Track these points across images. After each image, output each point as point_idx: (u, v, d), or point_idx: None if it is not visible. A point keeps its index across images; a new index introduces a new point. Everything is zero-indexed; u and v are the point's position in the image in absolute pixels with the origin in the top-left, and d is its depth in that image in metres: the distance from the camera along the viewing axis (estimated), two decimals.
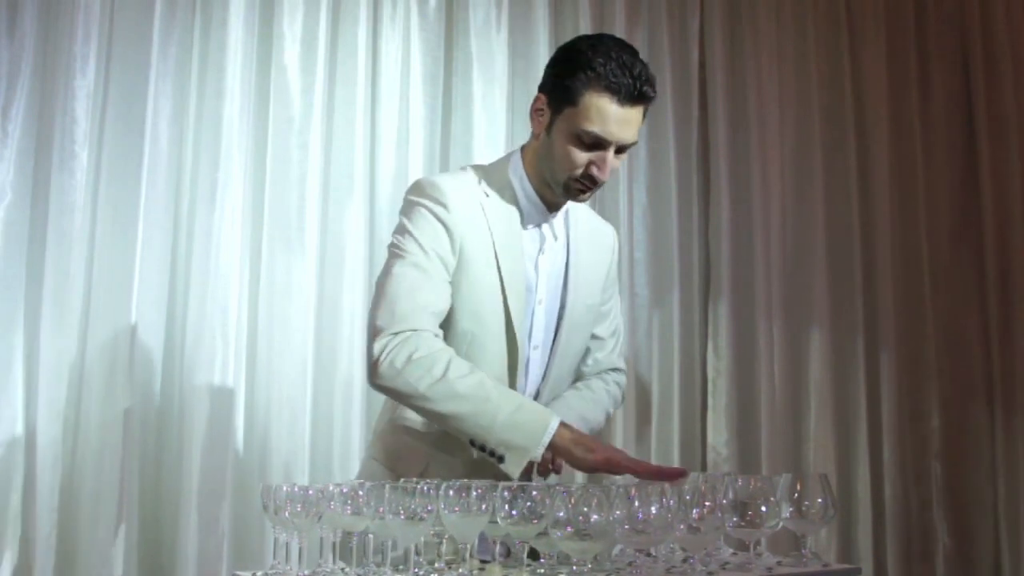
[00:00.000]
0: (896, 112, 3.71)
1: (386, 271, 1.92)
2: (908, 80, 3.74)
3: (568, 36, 3.44)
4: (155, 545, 2.84)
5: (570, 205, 2.06)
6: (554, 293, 2.04)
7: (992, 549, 3.59)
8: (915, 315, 3.65)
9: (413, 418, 1.98)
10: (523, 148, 2.06)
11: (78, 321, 2.79)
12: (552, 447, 1.79)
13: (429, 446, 1.98)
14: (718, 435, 3.44)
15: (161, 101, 2.92)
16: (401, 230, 1.95)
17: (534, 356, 2.02)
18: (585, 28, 3.43)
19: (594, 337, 2.19)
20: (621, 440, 3.30)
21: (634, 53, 1.92)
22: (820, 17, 3.71)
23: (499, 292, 1.94)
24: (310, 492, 1.49)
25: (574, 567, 1.42)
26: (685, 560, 1.54)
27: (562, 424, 1.81)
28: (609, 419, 2.25)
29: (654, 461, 3.34)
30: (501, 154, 3.25)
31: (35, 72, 2.82)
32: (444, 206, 1.93)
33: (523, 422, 1.80)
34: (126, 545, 2.73)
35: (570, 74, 1.89)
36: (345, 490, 1.48)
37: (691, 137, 3.56)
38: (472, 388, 1.81)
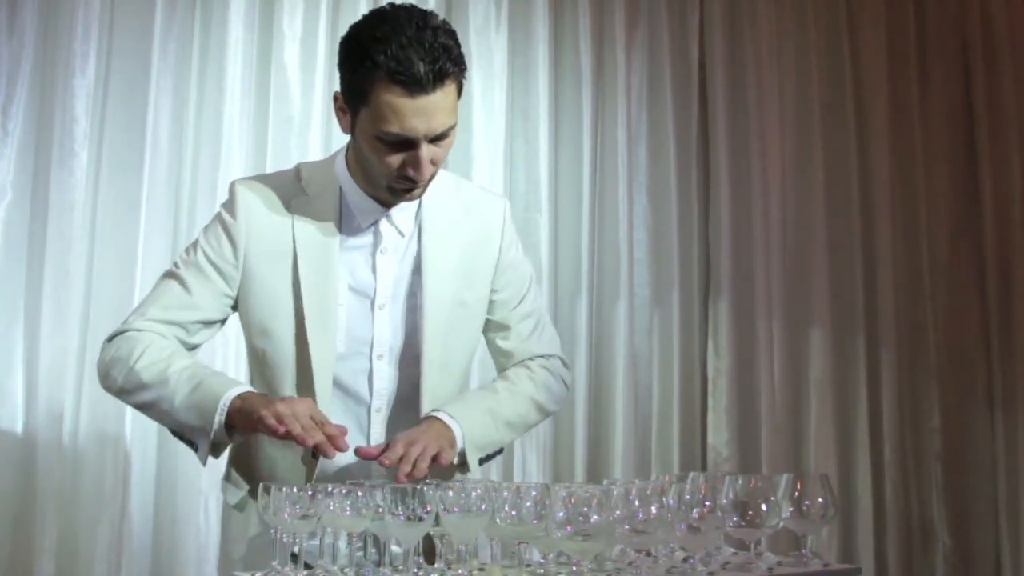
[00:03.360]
0: (896, 111, 3.71)
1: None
2: (908, 78, 3.74)
3: (568, 35, 3.45)
4: (156, 546, 2.84)
5: (432, 191, 1.84)
6: (401, 295, 1.84)
7: (992, 549, 3.59)
8: (915, 315, 3.65)
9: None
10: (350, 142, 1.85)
11: (78, 321, 2.78)
12: (231, 424, 1.67)
13: (250, 469, 1.88)
14: (718, 435, 3.44)
15: (161, 99, 2.92)
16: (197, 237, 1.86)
17: (380, 367, 1.82)
18: (585, 27, 3.42)
19: (498, 327, 1.94)
20: (621, 441, 3.30)
21: (424, 23, 1.64)
22: (820, 15, 3.70)
23: (291, 302, 1.78)
24: (309, 493, 1.48)
25: (574, 567, 1.42)
26: (685, 560, 1.54)
27: (240, 397, 1.66)
28: (547, 414, 2.00)
29: (654, 462, 3.34)
30: (500, 153, 3.28)
31: (35, 70, 2.82)
32: (232, 214, 1.81)
33: (198, 402, 1.67)
34: (127, 546, 2.73)
35: (354, 69, 1.67)
36: (345, 490, 1.48)
37: (691, 135, 3.55)
38: (155, 375, 1.71)
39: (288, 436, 1.61)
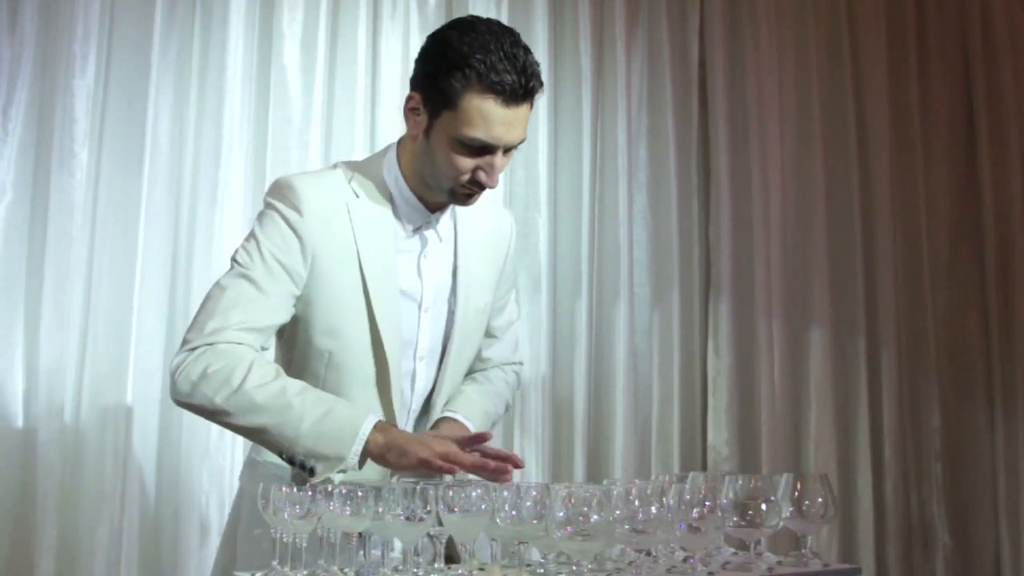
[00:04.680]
0: (896, 111, 3.72)
1: (217, 282, 1.77)
2: (908, 79, 3.74)
3: (567, 36, 3.45)
4: (156, 545, 2.84)
5: None
6: (441, 299, 1.89)
7: (992, 549, 3.59)
8: (915, 315, 3.65)
9: (266, 456, 1.83)
10: (400, 143, 1.87)
11: (78, 321, 2.78)
12: (368, 454, 1.67)
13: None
14: (718, 435, 3.44)
15: (161, 100, 2.92)
16: (249, 235, 1.79)
17: (420, 368, 1.87)
18: (585, 28, 3.42)
19: (488, 335, 2.04)
20: (621, 441, 3.30)
21: (515, 40, 1.73)
22: (820, 16, 3.71)
23: (363, 304, 1.78)
24: (309, 493, 1.48)
25: (574, 567, 1.42)
26: (685, 560, 1.54)
27: (377, 429, 1.66)
28: (509, 409, 2.18)
29: (654, 461, 3.34)
30: None
31: (35, 71, 2.82)
32: (297, 210, 1.76)
33: (330, 430, 1.65)
34: (127, 545, 2.73)
35: (444, 72, 1.70)
36: (345, 490, 1.48)
37: (691, 136, 3.55)
38: (271, 397, 1.66)
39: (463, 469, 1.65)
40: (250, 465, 1.94)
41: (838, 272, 3.59)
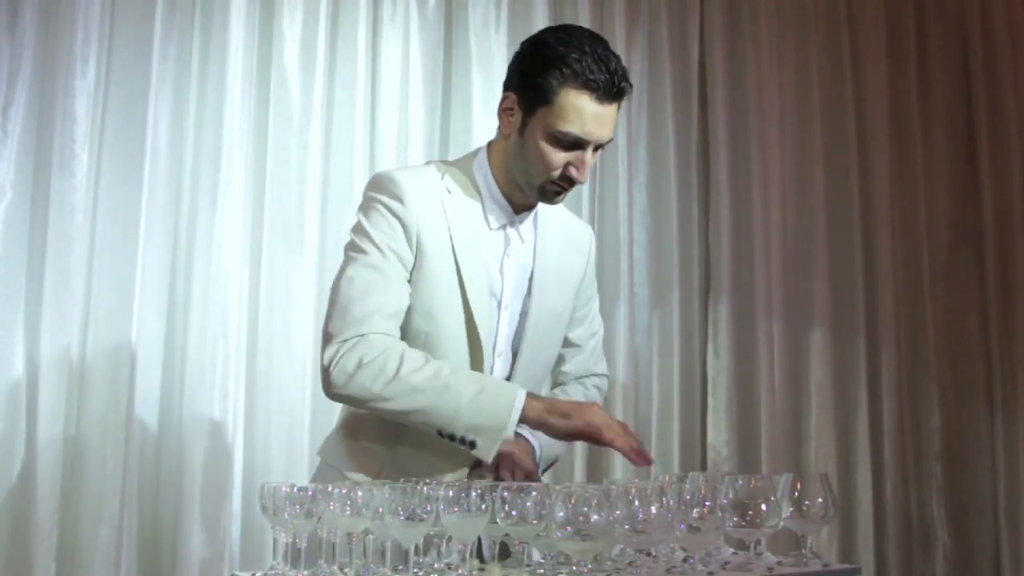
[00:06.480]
0: (896, 112, 3.71)
1: (340, 273, 1.86)
2: (908, 80, 3.74)
3: None
4: (156, 545, 2.84)
5: (541, 206, 1.97)
6: (517, 300, 1.95)
7: (992, 549, 3.59)
8: (915, 315, 3.65)
9: (365, 421, 1.93)
10: (489, 145, 1.96)
11: (78, 321, 2.79)
12: (525, 420, 1.76)
13: (383, 448, 1.91)
14: (718, 435, 3.44)
15: (161, 101, 2.92)
16: (357, 228, 1.88)
17: (497, 364, 1.93)
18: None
19: (569, 344, 2.10)
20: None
21: (606, 45, 1.83)
22: (820, 17, 3.71)
23: (458, 291, 1.86)
24: (310, 493, 1.48)
25: (574, 567, 1.42)
26: (685, 560, 1.54)
27: (530, 396, 1.76)
28: None
29: (654, 461, 3.34)
30: None
31: (35, 72, 2.83)
32: (400, 200, 1.85)
33: (488, 403, 1.75)
34: (127, 545, 2.73)
35: (542, 71, 1.80)
36: (345, 490, 1.48)
37: (691, 137, 3.55)
38: (428, 379, 1.76)
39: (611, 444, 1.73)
40: (337, 443, 2.00)
41: (838, 272, 3.59)
